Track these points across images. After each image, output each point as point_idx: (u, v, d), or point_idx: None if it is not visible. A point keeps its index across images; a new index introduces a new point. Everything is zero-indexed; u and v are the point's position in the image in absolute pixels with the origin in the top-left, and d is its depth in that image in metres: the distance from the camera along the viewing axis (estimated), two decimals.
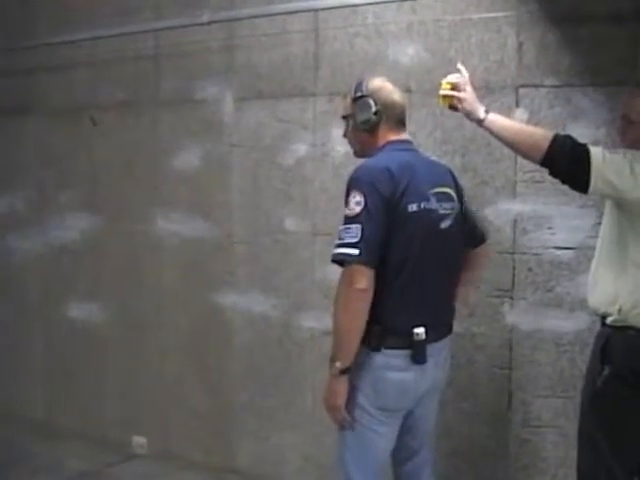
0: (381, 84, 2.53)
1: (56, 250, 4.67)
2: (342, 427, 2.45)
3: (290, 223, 3.71)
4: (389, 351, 2.37)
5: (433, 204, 2.42)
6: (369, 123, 2.47)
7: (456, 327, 2.62)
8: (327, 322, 3.39)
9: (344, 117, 2.59)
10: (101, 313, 4.47)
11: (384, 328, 2.35)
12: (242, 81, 3.80)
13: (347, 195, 2.33)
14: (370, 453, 2.45)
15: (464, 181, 3.09)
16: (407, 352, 2.37)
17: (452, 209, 2.50)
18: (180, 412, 4.18)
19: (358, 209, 2.28)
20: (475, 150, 3.17)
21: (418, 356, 2.38)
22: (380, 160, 2.40)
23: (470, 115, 2.49)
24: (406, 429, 2.54)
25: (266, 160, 3.76)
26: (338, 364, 2.33)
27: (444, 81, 2.52)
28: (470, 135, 3.14)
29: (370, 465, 2.46)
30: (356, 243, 2.25)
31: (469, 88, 2.50)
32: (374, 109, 2.46)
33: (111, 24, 4.10)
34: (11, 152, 4.90)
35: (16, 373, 4.99)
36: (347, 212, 2.30)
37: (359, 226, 2.26)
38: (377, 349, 2.36)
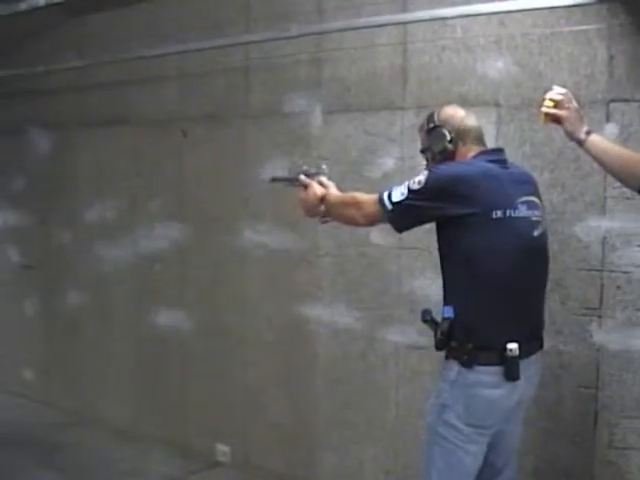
0: (452, 112, 2.71)
1: (145, 259, 4.96)
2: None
3: (376, 236, 3.84)
4: (481, 368, 2.45)
5: (523, 212, 2.51)
6: (446, 152, 2.65)
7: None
8: (412, 336, 3.54)
9: (422, 151, 2.79)
10: (187, 322, 4.72)
11: (476, 345, 2.44)
12: (330, 94, 3.99)
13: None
14: (458, 472, 2.53)
15: (552, 197, 3.20)
16: (500, 369, 2.44)
17: (541, 217, 2.60)
18: (262, 422, 4.37)
19: (415, 184, 2.52)
20: (564, 165, 3.24)
21: (511, 373, 2.44)
22: (466, 163, 2.60)
23: (571, 135, 2.51)
24: (491, 447, 2.60)
25: (353, 173, 3.91)
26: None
27: (547, 97, 2.53)
28: (559, 149, 3.22)
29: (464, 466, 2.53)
30: (395, 203, 2.55)
31: (572, 106, 2.50)
32: (448, 137, 2.64)
33: (201, 37, 4.36)
34: (103, 162, 5.24)
35: (103, 379, 5.31)
36: (408, 180, 2.57)
37: (406, 194, 2.53)
38: (469, 366, 2.45)
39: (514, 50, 3.36)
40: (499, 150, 2.71)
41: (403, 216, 2.55)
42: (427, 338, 3.49)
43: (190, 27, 4.54)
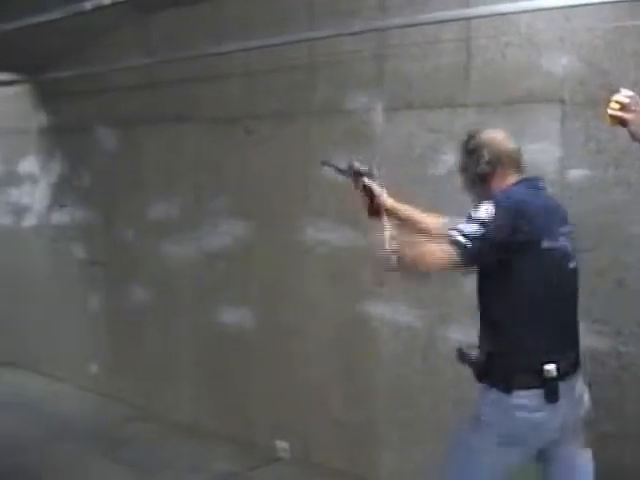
0: (493, 135, 2.81)
1: (209, 255, 5.15)
2: None
3: None
4: (521, 392, 2.57)
5: (563, 242, 2.66)
6: (484, 175, 2.76)
7: (601, 345, 2.77)
8: (473, 335, 3.62)
9: (461, 171, 2.90)
10: (250, 319, 4.89)
11: (513, 366, 2.58)
12: (392, 91, 4.10)
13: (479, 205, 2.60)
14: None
15: (615, 195, 3.25)
16: (539, 391, 2.57)
17: (574, 248, 2.73)
18: (323, 419, 4.50)
19: (485, 216, 2.53)
20: (629, 163, 3.29)
21: (551, 394, 2.57)
22: (518, 193, 2.66)
23: (635, 137, 2.50)
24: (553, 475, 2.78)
25: (415, 170, 4.01)
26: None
27: (613, 99, 2.54)
28: (624, 147, 3.25)
29: None
30: (473, 238, 2.50)
31: (639, 109, 2.48)
32: (487, 159, 2.75)
33: (266, 35, 4.49)
34: (168, 160, 5.44)
35: (166, 374, 5.52)
36: (473, 213, 2.56)
37: (481, 228, 2.51)
38: (508, 391, 2.58)
39: (578, 46, 3.42)
40: (538, 178, 2.79)
41: (481, 249, 2.52)
42: None
43: (255, 24, 4.69)
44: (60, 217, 6.48)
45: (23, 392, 6.23)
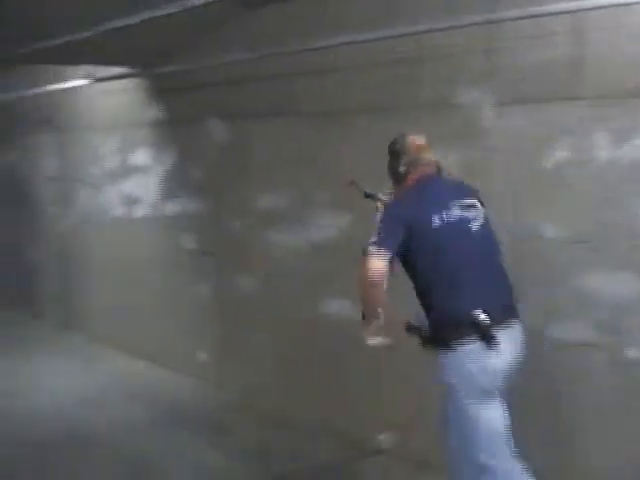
0: (411, 141, 3.51)
1: (314, 246, 5.22)
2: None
3: (548, 229, 3.89)
4: (463, 344, 3.03)
5: (460, 213, 3.25)
6: (401, 175, 3.45)
7: None
8: (580, 332, 3.57)
9: (387, 169, 3.53)
10: (352, 310, 4.93)
11: (449, 325, 3.07)
12: (502, 85, 4.05)
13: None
14: (479, 432, 3.08)
15: None
16: (479, 340, 3.02)
17: (477, 214, 3.30)
18: (425, 413, 4.50)
19: (378, 223, 3.22)
20: None
21: (489, 340, 3.02)
22: (400, 200, 3.38)
23: None
24: None
25: (526, 165, 3.96)
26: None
27: None
28: None
29: (480, 439, 3.08)
30: (379, 243, 3.13)
31: None
32: (404, 162, 3.43)
33: (368, 28, 4.50)
34: (273, 152, 5.54)
35: (270, 364, 5.64)
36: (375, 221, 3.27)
37: (379, 233, 3.16)
38: (453, 348, 3.05)
39: None
40: (432, 174, 3.43)
41: (388, 246, 3.18)
42: (598, 333, 3.54)
43: (358, 18, 4.71)
44: (171, 208, 6.69)
45: (133, 379, 6.48)
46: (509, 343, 3.09)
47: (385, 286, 3.12)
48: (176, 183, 6.59)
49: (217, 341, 6.20)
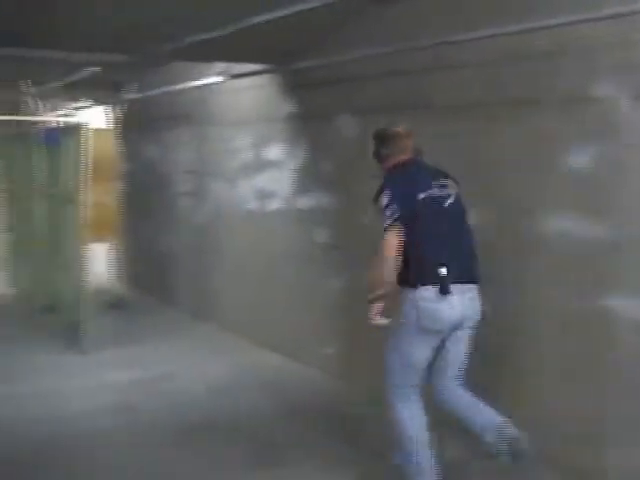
0: (395, 130, 4.34)
1: None
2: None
3: None
4: (422, 287, 3.92)
5: (436, 191, 4.09)
6: (382, 156, 4.35)
7: None
8: None
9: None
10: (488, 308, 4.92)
11: (418, 272, 3.94)
12: None
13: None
14: (409, 359, 4.04)
15: None
16: (435, 287, 3.90)
17: (451, 194, 4.14)
18: (554, 414, 4.45)
19: (387, 201, 3.98)
20: None
21: (443, 288, 3.89)
22: (394, 178, 4.17)
23: None
24: (440, 356, 4.09)
25: None
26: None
27: None
28: None
29: (408, 365, 4.06)
30: (393, 219, 3.94)
31: None
32: (385, 146, 4.32)
33: (506, 21, 4.46)
34: None
35: None
36: (382, 206, 4.01)
37: (389, 210, 3.95)
38: (415, 286, 3.94)
39: None
40: (416, 158, 4.29)
41: (400, 219, 3.97)
42: None
43: (496, 11, 4.69)
44: (303, 202, 6.83)
45: (262, 370, 6.66)
46: (460, 299, 3.96)
47: (395, 261, 3.94)
48: (308, 177, 6.72)
49: (346, 335, 6.29)
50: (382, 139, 4.38)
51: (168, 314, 9.00)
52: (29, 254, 9.72)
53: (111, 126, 10.27)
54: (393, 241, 3.91)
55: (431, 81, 5.26)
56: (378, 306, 4.05)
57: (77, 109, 11.41)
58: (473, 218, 4.62)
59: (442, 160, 5.17)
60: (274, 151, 7.23)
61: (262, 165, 7.44)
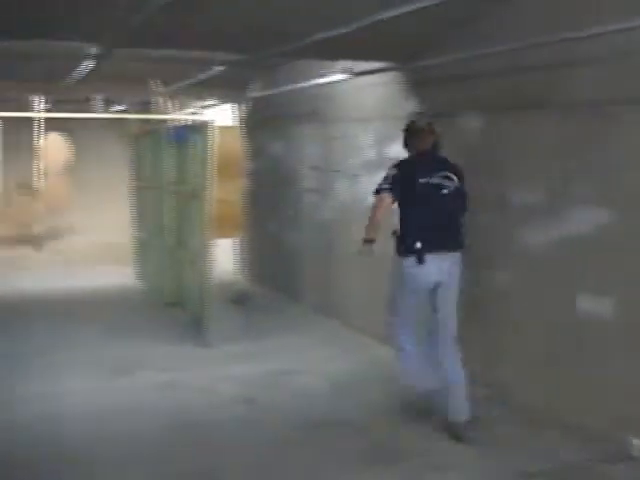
0: (417, 125, 5.41)
1: (568, 242, 5.15)
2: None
3: None
4: (405, 257, 5.07)
5: (436, 180, 5.11)
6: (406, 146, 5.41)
7: None
8: None
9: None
10: (610, 308, 4.81)
11: (404, 245, 5.08)
12: None
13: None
14: (402, 302, 5.23)
15: None
16: (413, 257, 5.01)
17: (452, 185, 5.16)
18: None
19: (385, 173, 5.20)
20: None
21: (419, 258, 4.99)
22: (403, 160, 5.36)
23: None
24: (432, 309, 5.18)
25: None
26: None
27: None
28: None
29: (403, 306, 5.24)
30: (381, 185, 5.15)
31: None
32: (406, 137, 5.39)
33: (630, 16, 4.31)
34: (530, 145, 5.50)
35: (518, 359, 5.64)
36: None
37: (383, 179, 5.16)
38: (402, 256, 5.09)
39: None
40: (430, 151, 5.30)
41: (384, 187, 5.16)
42: None
43: (628, 5, 4.57)
44: None
45: (383, 368, 6.66)
46: (436, 264, 5.02)
47: (381, 215, 5.10)
48: None
49: (466, 335, 6.24)
50: (409, 132, 5.40)
51: (291, 310, 9.17)
52: (157, 249, 10.10)
53: (237, 124, 10.51)
54: (376, 203, 5.13)
55: (562, 77, 5.17)
56: (367, 244, 5.11)
57: (204, 107, 11.74)
58: (591, 221, 4.58)
59: (568, 161, 5.11)
60: (396, 149, 7.24)
61: (384, 162, 7.45)
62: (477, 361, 6.03)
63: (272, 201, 10.27)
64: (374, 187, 5.17)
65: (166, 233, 9.48)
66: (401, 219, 5.15)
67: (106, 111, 11.76)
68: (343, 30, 5.42)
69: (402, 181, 5.06)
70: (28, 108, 11.61)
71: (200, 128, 7.99)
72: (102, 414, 5.57)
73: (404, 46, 6.41)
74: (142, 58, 7.73)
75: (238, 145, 9.34)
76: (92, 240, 13.46)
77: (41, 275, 11.31)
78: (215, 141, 7.51)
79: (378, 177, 7.49)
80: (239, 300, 9.35)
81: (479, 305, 6.05)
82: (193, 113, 11.81)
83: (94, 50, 6.37)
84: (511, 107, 5.60)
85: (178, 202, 9.12)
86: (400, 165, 5.21)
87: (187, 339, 7.67)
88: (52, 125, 12.57)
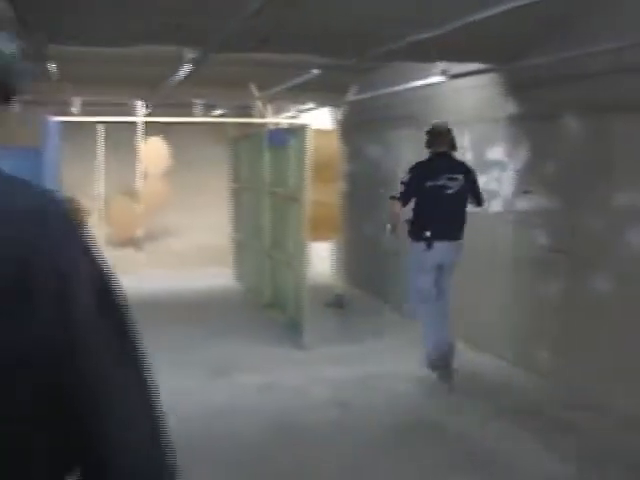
0: (437, 126, 6.48)
1: None
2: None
3: None
4: (417, 242, 6.27)
5: (443, 181, 6.21)
6: (427, 144, 6.49)
7: None
8: None
9: None
10: None
11: (417, 233, 6.27)
12: None
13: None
14: (419, 277, 6.42)
15: None
16: (424, 242, 6.19)
17: (456, 185, 6.26)
18: None
19: (403, 179, 6.40)
20: None
21: (428, 244, 6.16)
22: (417, 163, 6.50)
23: None
24: (435, 282, 6.34)
25: None
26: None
27: None
28: None
29: (419, 280, 6.41)
30: (401, 192, 6.36)
31: None
32: (429, 138, 6.46)
33: None
34: (634, 146, 5.39)
35: (621, 366, 5.54)
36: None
37: (401, 186, 6.38)
38: (416, 241, 6.27)
39: None
40: (444, 152, 6.40)
41: (403, 194, 6.35)
42: None
43: None
44: (524, 204, 6.76)
45: (474, 373, 6.65)
46: (441, 250, 6.22)
47: (397, 214, 6.37)
48: (529, 178, 6.65)
49: (562, 339, 6.17)
50: (429, 133, 6.46)
51: (387, 313, 9.19)
52: (254, 250, 10.27)
53: (334, 127, 10.61)
54: (393, 207, 6.37)
55: None
56: (392, 232, 6.47)
57: (302, 111, 11.88)
58: None
59: None
60: (495, 151, 7.21)
61: (483, 165, 7.42)
62: (575, 368, 5.95)
63: (368, 203, 10.30)
64: (394, 193, 6.47)
65: (263, 235, 9.63)
66: (414, 211, 6.35)
67: (205, 115, 12.02)
68: (440, 31, 5.42)
69: (415, 184, 6.26)
70: (130, 112, 11.98)
71: (298, 131, 8.10)
72: (202, 414, 5.71)
73: (502, 47, 6.37)
74: (240, 62, 7.89)
75: (335, 148, 9.45)
76: (191, 241, 13.76)
77: (142, 276, 11.62)
78: (312, 144, 7.60)
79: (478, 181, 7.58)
80: (335, 303, 9.42)
81: (578, 310, 5.96)
82: (291, 117, 11.96)
83: (192, 54, 6.53)
84: (616, 107, 5.50)
85: (275, 204, 9.26)
86: (414, 169, 6.39)
87: (284, 341, 7.79)
88: (152, 128, 12.92)
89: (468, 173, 6.37)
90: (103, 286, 1.20)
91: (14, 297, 1.07)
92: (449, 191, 6.23)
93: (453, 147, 6.41)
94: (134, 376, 1.22)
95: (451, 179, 6.24)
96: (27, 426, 1.11)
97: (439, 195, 6.21)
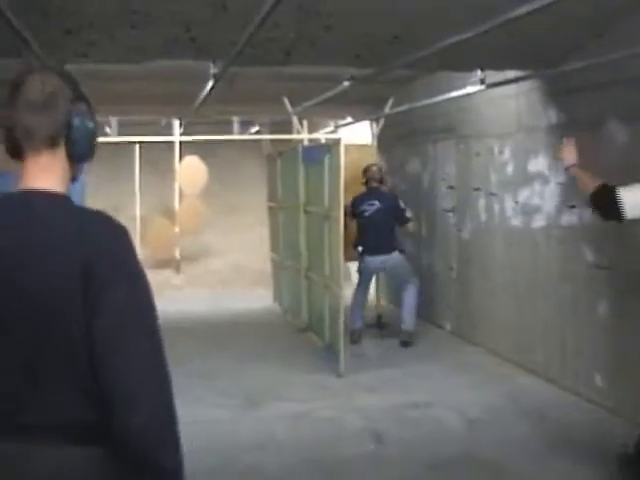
0: (371, 169, 8.92)
1: None
2: None
3: None
4: (360, 257, 8.71)
5: (367, 207, 8.56)
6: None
7: None
8: None
9: None
10: None
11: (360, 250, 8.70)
12: None
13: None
14: (362, 279, 8.91)
15: None
16: (361, 256, 8.65)
17: (373, 208, 8.55)
18: None
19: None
20: None
21: (363, 257, 8.64)
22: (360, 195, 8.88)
23: None
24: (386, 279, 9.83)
25: None
26: None
27: None
28: None
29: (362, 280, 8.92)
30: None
31: None
32: (364, 180, 8.95)
33: None
34: None
35: None
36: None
37: None
38: (361, 255, 8.66)
39: None
40: (374, 187, 8.82)
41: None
42: None
43: None
44: (569, 218, 6.50)
45: (525, 397, 6.40)
46: (373, 261, 8.48)
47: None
48: (572, 191, 6.37)
49: (615, 363, 5.88)
50: (364, 173, 8.76)
51: (429, 334, 8.95)
52: (292, 271, 10.10)
53: (372, 141, 10.42)
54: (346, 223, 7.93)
55: None
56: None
57: (339, 126, 11.72)
58: None
59: None
60: (537, 163, 6.96)
61: (524, 178, 7.18)
62: (631, 395, 5.67)
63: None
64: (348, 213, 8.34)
65: (300, 255, 9.46)
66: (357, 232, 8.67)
67: (241, 132, 11.92)
68: (474, 37, 5.19)
69: (349, 211, 8.40)
70: (165, 131, 11.93)
71: (333, 147, 7.90)
72: (230, 446, 5.54)
73: (541, 53, 6.13)
74: (274, 77, 7.74)
75: (373, 162, 9.26)
76: (230, 262, 13.68)
77: (182, 298, 11.56)
78: (347, 160, 7.41)
79: (518, 194, 7.35)
80: (375, 325, 9.23)
81: (629, 330, 5.67)
82: (330, 132, 11.80)
83: (214, 69, 6.39)
84: None
85: (311, 223, 9.08)
86: (357, 199, 8.60)
87: (321, 367, 7.59)
88: (189, 147, 12.87)
89: (386, 199, 8.60)
90: (141, 286, 1.85)
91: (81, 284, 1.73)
92: (368, 213, 8.50)
93: (382, 183, 8.83)
94: (155, 362, 1.79)
95: (370, 204, 8.52)
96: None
97: (365, 217, 8.52)
